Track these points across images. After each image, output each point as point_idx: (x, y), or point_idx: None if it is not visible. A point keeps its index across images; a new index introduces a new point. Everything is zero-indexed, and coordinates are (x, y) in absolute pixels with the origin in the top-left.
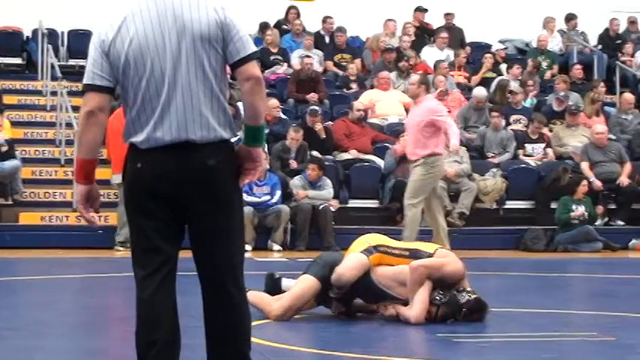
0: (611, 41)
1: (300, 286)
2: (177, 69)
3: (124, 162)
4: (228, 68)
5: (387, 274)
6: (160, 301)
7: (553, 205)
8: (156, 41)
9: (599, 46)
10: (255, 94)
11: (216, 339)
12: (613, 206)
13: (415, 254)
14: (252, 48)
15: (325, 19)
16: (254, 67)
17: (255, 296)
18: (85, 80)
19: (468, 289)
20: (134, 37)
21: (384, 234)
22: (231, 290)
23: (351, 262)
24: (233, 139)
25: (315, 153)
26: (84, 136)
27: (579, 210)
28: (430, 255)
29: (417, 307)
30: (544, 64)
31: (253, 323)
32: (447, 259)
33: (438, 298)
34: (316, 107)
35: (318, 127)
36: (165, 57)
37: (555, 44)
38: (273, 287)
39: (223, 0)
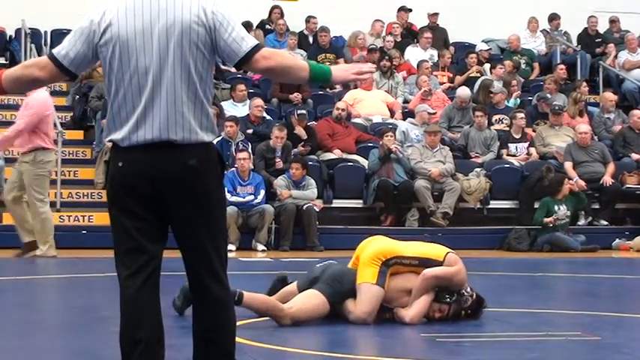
0: (590, 40)
1: (313, 303)
2: (163, 69)
3: (107, 162)
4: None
5: (394, 287)
6: (144, 300)
7: (537, 205)
8: (144, 39)
9: (579, 46)
10: (278, 77)
11: (201, 337)
12: (596, 206)
13: (425, 263)
14: (249, 44)
15: (309, 19)
16: (257, 62)
17: (262, 301)
18: (55, 52)
19: (468, 289)
20: (123, 31)
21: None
22: (213, 289)
23: (371, 304)
24: (215, 140)
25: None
26: (19, 75)
27: (561, 211)
28: (441, 263)
29: (416, 308)
30: (522, 63)
31: (239, 323)
32: (457, 267)
33: (447, 297)
34: (304, 112)
35: (299, 130)
36: (151, 56)
37: (538, 44)
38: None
39: (214, 2)
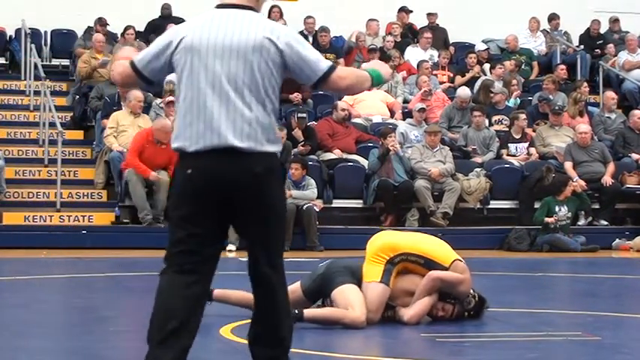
0: (592, 41)
1: (358, 293)
2: (232, 81)
3: (173, 169)
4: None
5: (399, 287)
6: (183, 295)
7: (537, 205)
8: (216, 51)
9: (581, 46)
10: (353, 92)
11: (258, 323)
12: (596, 206)
13: (430, 265)
14: (325, 66)
15: (306, 19)
16: (335, 83)
17: (323, 312)
18: (137, 59)
19: (471, 290)
20: (197, 42)
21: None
22: (271, 277)
23: (376, 303)
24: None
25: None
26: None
27: (561, 212)
28: (446, 269)
29: (416, 308)
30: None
31: (240, 322)
32: (463, 275)
33: (451, 297)
34: (304, 115)
35: (297, 132)
36: (222, 67)
37: (538, 44)
38: None
39: (286, 27)
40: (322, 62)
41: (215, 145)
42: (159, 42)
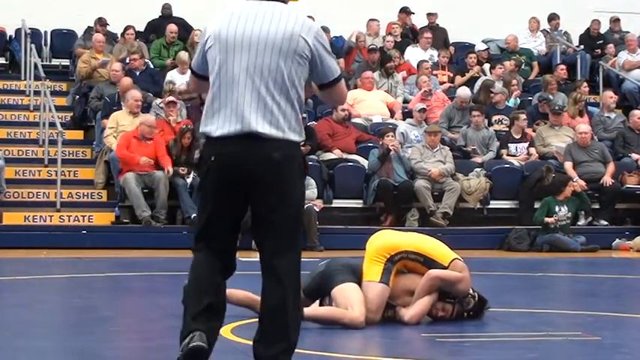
0: (592, 41)
1: (359, 292)
2: (259, 70)
3: (199, 153)
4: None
5: (399, 286)
6: (210, 269)
7: (537, 205)
8: (243, 40)
9: (581, 46)
10: (338, 105)
11: (265, 313)
12: (596, 206)
13: (430, 264)
14: (337, 73)
15: None
16: (337, 90)
17: (323, 311)
18: (192, 64)
19: (471, 290)
20: (224, 32)
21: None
22: (283, 280)
23: (376, 303)
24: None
25: None
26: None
27: (561, 212)
28: (445, 268)
29: (416, 307)
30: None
31: (239, 322)
32: (462, 274)
33: (451, 297)
34: (304, 115)
35: None
36: (249, 56)
37: (538, 44)
38: None
39: (318, 27)
40: (337, 67)
41: (239, 131)
42: (199, 41)
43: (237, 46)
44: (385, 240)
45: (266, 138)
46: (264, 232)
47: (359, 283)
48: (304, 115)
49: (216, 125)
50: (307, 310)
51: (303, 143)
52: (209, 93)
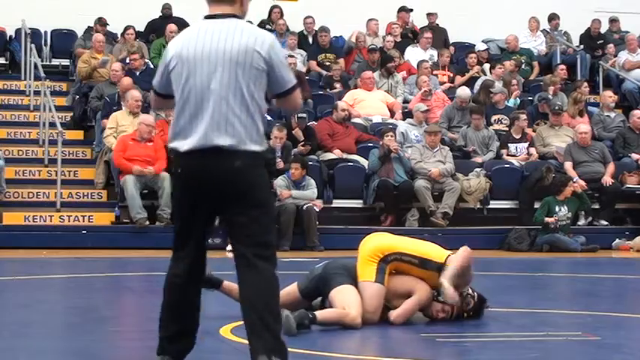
0: (592, 41)
1: (356, 294)
2: (218, 86)
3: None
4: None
5: (391, 288)
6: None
7: (537, 205)
8: (203, 59)
9: (581, 46)
10: (294, 110)
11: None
12: (596, 206)
13: (424, 264)
14: (292, 81)
15: (306, 19)
16: (292, 98)
17: (328, 313)
18: (153, 84)
19: (470, 290)
20: (185, 52)
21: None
22: (257, 264)
23: (373, 302)
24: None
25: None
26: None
27: (561, 212)
28: (441, 265)
29: (403, 308)
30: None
31: (235, 324)
32: (461, 256)
33: None
34: (304, 115)
35: (297, 132)
36: (209, 74)
37: (538, 44)
38: None
39: (273, 39)
40: (292, 77)
41: (202, 145)
42: (161, 61)
43: (199, 63)
44: (379, 241)
45: (227, 150)
46: (236, 235)
47: (356, 284)
48: (304, 115)
49: (183, 141)
50: (319, 314)
51: (302, 143)
52: (175, 110)
